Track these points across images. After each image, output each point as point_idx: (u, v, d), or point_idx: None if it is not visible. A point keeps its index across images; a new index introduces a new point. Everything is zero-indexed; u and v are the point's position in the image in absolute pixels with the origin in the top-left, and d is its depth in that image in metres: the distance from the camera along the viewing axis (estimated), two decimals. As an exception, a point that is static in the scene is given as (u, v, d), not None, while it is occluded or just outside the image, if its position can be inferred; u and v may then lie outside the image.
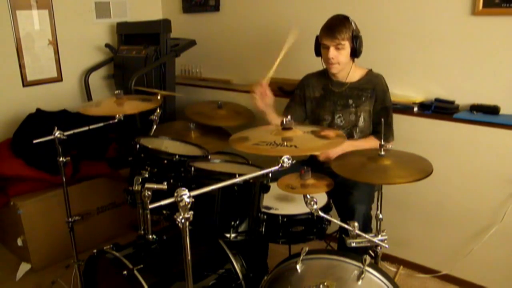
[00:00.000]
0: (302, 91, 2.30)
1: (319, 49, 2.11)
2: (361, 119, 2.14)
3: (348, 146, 1.93)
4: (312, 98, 2.27)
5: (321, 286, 1.38)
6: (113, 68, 3.35)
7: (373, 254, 1.59)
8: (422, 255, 2.50)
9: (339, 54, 2.03)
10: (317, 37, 2.10)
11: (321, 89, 2.24)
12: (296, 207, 1.80)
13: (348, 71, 2.12)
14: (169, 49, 3.08)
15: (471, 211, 2.25)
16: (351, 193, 1.95)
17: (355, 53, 2.04)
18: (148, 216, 1.66)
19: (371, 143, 2.06)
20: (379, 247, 1.57)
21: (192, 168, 1.61)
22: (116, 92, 2.14)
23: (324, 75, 2.22)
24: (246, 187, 1.61)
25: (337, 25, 2.00)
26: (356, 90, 2.13)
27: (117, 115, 2.06)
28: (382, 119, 1.73)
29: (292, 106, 2.32)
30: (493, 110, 2.12)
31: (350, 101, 2.14)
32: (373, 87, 2.11)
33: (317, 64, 2.20)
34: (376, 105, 2.12)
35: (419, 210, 2.43)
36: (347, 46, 2.02)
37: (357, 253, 1.52)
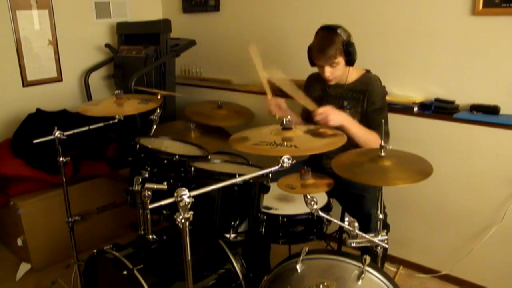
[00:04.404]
0: (306, 90, 2.30)
1: (313, 61, 2.07)
2: (356, 121, 2.12)
3: (349, 122, 1.93)
4: (312, 98, 2.27)
5: (321, 286, 1.38)
6: (113, 68, 3.35)
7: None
8: (422, 255, 2.50)
9: (335, 70, 2.02)
10: (309, 49, 2.06)
11: (319, 90, 2.24)
12: (296, 207, 1.80)
13: (345, 75, 2.11)
14: (169, 49, 3.08)
15: (471, 211, 2.25)
16: (364, 196, 1.91)
17: (349, 62, 2.02)
18: (148, 216, 1.66)
19: (370, 135, 2.01)
20: (379, 247, 1.57)
21: (192, 168, 1.61)
22: (116, 92, 2.14)
23: None
24: (246, 187, 1.61)
25: (327, 45, 1.96)
26: (350, 92, 2.12)
27: (117, 116, 2.06)
28: (382, 121, 1.71)
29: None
30: (493, 110, 2.12)
31: (345, 103, 2.13)
32: (366, 88, 2.09)
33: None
34: (367, 107, 2.08)
35: (419, 210, 2.43)
36: (341, 60, 1.99)
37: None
